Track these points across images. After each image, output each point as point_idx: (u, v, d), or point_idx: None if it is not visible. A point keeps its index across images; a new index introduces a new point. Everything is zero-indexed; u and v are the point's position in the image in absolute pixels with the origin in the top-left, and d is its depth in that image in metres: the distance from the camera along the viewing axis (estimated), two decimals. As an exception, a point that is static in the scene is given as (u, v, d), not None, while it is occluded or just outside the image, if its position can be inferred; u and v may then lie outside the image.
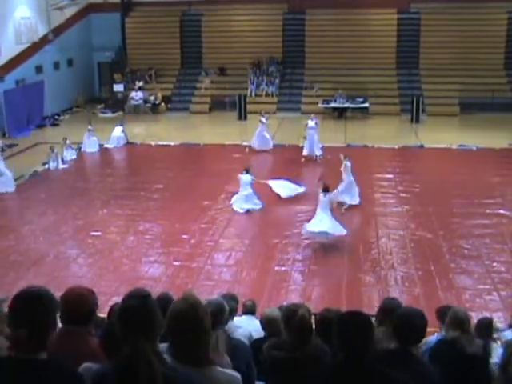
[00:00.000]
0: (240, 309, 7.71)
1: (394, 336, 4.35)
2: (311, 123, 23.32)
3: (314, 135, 23.19)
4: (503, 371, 5.90)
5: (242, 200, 17.85)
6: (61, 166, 22.97)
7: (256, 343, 5.70)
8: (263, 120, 24.75)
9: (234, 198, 18.25)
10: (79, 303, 4.11)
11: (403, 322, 4.37)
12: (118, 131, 26.16)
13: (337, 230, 15.14)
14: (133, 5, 37.81)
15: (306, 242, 15.38)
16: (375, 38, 34.59)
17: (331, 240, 15.26)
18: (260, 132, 24.75)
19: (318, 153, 23.13)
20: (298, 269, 14.01)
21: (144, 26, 36.87)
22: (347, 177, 17.98)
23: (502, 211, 17.55)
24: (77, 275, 13.81)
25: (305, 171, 22.22)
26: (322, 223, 15.06)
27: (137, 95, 34.13)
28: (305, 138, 23.17)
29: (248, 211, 17.69)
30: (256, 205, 17.94)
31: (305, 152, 22.99)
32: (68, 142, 24.05)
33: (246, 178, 17.92)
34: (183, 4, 36.59)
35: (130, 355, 2.87)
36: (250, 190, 17.90)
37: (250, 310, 7.78)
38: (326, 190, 15.43)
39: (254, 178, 18.16)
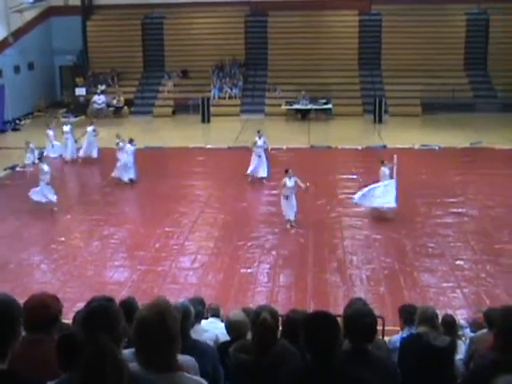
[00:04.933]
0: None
1: (345, 336, 4.35)
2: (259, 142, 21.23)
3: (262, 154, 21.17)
4: (467, 367, 5.99)
5: None
6: (37, 160, 22.97)
7: (222, 346, 5.69)
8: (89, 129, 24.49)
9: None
10: (42, 310, 4.04)
11: (352, 321, 4.38)
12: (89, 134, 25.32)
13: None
14: (94, 8, 37.51)
15: (271, 243, 15.44)
16: (337, 40, 34.88)
17: (296, 241, 15.36)
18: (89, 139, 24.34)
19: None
20: (263, 270, 14.02)
21: (105, 30, 36.63)
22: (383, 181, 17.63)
23: (464, 210, 17.80)
24: (41, 282, 13.62)
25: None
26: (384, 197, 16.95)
27: (99, 99, 33.84)
28: None
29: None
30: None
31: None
32: (31, 145, 23.72)
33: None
34: (145, 7, 36.39)
35: (95, 353, 2.81)
36: None
37: (214, 313, 7.79)
38: (383, 162, 17.86)
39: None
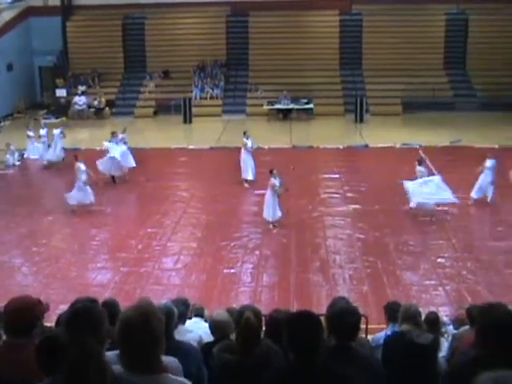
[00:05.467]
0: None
1: (329, 334, 4.38)
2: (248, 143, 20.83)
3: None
4: (449, 364, 6.03)
5: None
6: (17, 162, 23.50)
7: (206, 347, 5.68)
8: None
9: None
10: (23, 313, 4.01)
11: (337, 320, 4.42)
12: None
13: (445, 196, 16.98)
14: (74, 8, 37.23)
15: (254, 243, 15.45)
16: (318, 40, 34.90)
17: (279, 241, 15.40)
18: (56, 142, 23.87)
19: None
20: (247, 270, 14.05)
21: (86, 30, 36.33)
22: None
23: (445, 208, 17.90)
24: (22, 284, 13.54)
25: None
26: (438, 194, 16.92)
27: (80, 100, 33.60)
28: None
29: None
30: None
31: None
32: (12, 147, 23.58)
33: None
34: (125, 7, 36.17)
35: (79, 355, 2.81)
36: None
37: (197, 313, 7.80)
38: (420, 162, 17.72)
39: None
